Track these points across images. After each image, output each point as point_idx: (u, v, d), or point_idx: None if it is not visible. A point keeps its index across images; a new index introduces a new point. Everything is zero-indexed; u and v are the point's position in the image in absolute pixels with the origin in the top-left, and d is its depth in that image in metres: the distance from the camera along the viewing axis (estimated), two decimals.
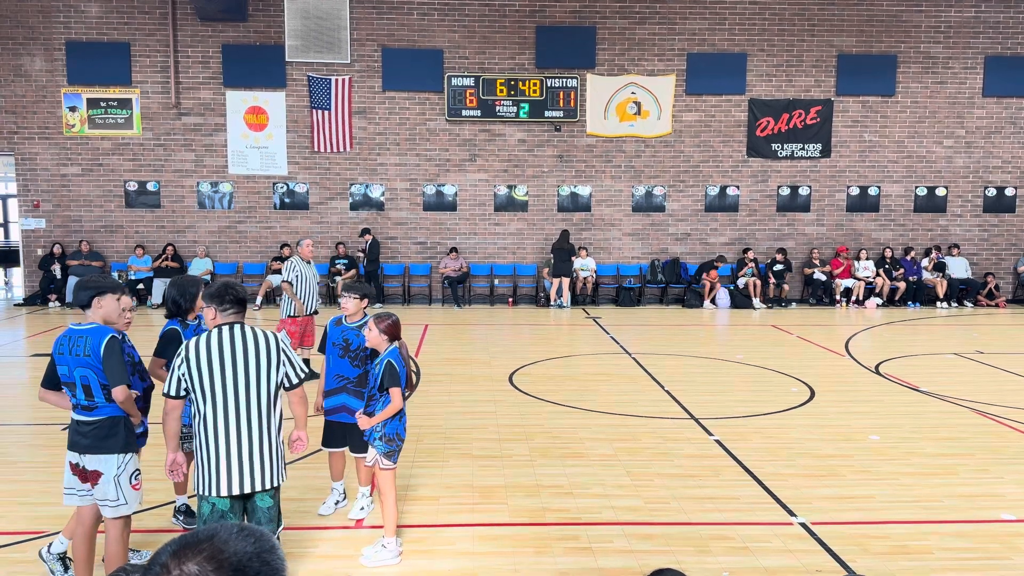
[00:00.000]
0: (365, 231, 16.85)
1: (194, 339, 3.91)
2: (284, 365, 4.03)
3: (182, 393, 3.91)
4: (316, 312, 9.44)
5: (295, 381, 4.09)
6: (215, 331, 3.93)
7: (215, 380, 3.85)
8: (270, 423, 3.97)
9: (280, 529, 4.11)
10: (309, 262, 9.43)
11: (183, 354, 3.88)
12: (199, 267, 16.68)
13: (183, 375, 3.87)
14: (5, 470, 6.33)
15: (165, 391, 3.94)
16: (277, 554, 1.28)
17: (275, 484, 3.99)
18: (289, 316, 9.17)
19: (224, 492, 3.86)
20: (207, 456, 3.87)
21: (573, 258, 16.94)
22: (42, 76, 16.86)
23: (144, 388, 4.78)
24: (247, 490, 3.90)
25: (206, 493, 3.88)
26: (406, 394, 4.88)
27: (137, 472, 4.25)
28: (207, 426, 3.86)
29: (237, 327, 3.95)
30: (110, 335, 4.11)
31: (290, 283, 9.07)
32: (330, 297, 17.00)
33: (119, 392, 4.08)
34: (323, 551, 4.90)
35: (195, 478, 3.94)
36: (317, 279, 9.56)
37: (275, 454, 3.99)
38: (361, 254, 16.80)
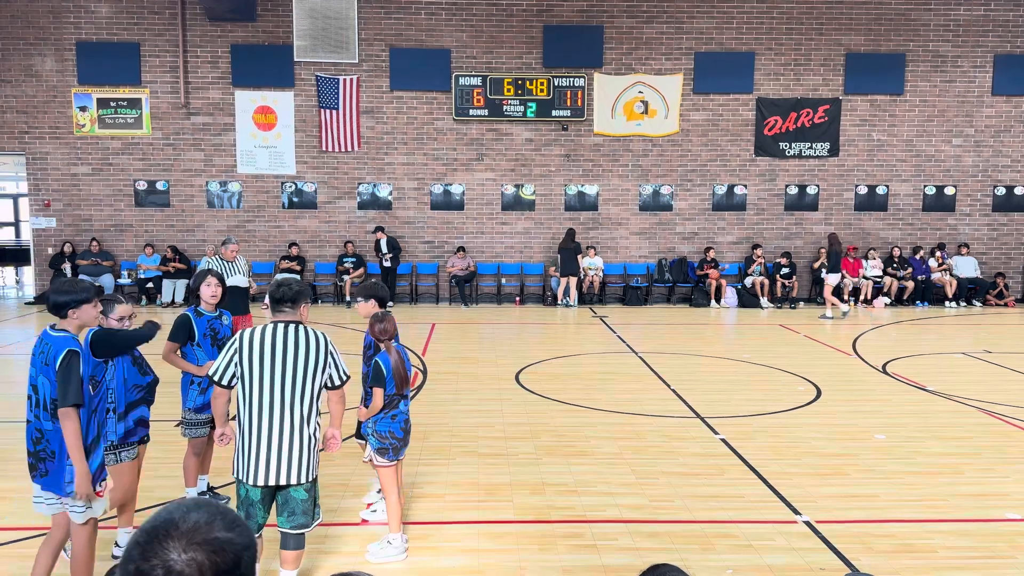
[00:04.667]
0: (378, 228, 16.90)
1: (249, 330, 4.05)
2: (330, 367, 4.15)
3: (227, 381, 4.04)
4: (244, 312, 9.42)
5: (337, 383, 4.22)
6: (270, 326, 4.06)
7: (264, 373, 3.97)
8: (310, 421, 4.06)
9: (316, 522, 4.18)
10: (234, 260, 9.42)
11: (236, 343, 4.02)
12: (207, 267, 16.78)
13: (235, 363, 4.00)
14: (17, 467, 6.39)
15: (211, 374, 4.08)
16: (230, 510, 1.35)
17: (309, 479, 4.07)
18: None
19: (260, 482, 3.97)
20: (247, 444, 3.99)
21: (580, 256, 16.96)
22: (53, 76, 16.97)
23: (148, 382, 4.86)
24: (281, 482, 4.00)
25: (241, 478, 4.02)
26: (404, 394, 4.91)
27: (103, 478, 4.13)
28: (250, 415, 3.99)
29: (291, 326, 4.07)
30: (68, 349, 3.89)
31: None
32: (339, 296, 17.06)
33: (61, 413, 3.84)
34: (331, 547, 4.93)
35: (235, 460, 4.06)
36: (243, 274, 9.49)
37: (311, 450, 4.08)
38: (385, 257, 16.74)
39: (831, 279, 15.62)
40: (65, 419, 3.85)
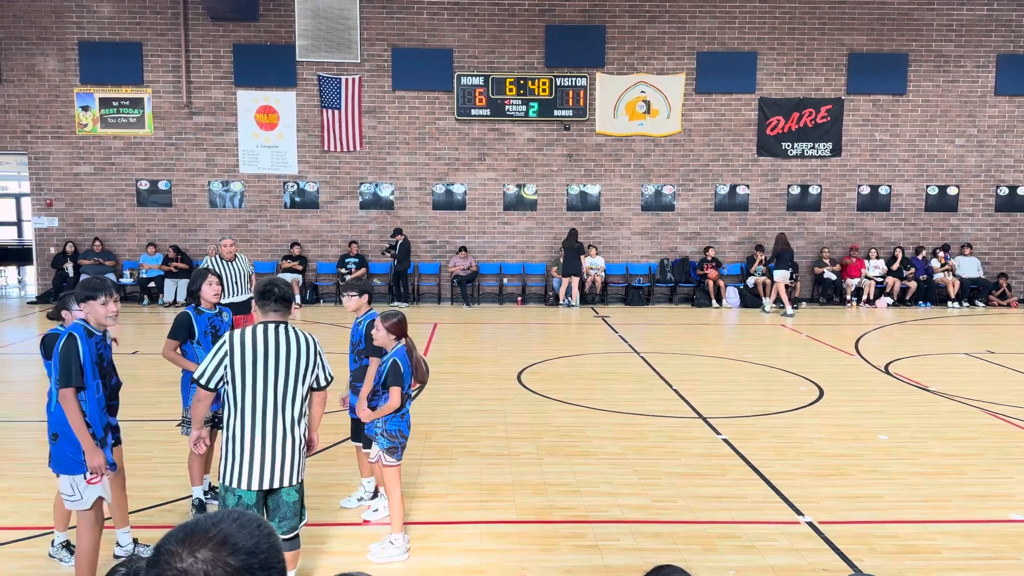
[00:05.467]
0: (397, 231, 16.89)
1: (238, 332, 3.95)
2: (317, 368, 4.11)
3: (215, 384, 3.92)
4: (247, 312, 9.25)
5: (323, 383, 4.18)
6: (259, 327, 3.97)
7: (256, 375, 3.89)
8: (300, 422, 4.03)
9: (303, 523, 4.16)
10: (234, 258, 9.18)
11: (226, 345, 3.91)
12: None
13: (224, 365, 3.89)
14: (18, 466, 6.40)
15: (197, 377, 3.95)
16: (276, 535, 1.33)
17: (299, 480, 4.05)
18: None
19: (255, 486, 3.91)
20: (238, 449, 3.90)
21: (583, 256, 16.94)
22: (55, 76, 16.98)
23: (112, 386, 4.79)
24: (275, 485, 3.95)
25: (233, 485, 3.91)
26: (413, 391, 4.92)
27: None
28: (241, 419, 3.90)
29: (281, 326, 4.00)
30: (68, 332, 4.08)
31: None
32: (341, 296, 17.03)
33: (60, 394, 4.00)
34: (332, 547, 4.93)
35: (222, 469, 3.96)
36: (244, 274, 9.25)
37: (302, 451, 4.05)
38: (390, 253, 16.78)
39: (779, 276, 16.02)
40: (64, 400, 3.99)
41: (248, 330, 3.96)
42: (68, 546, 4.74)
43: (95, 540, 4.20)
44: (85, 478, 4.13)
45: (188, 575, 1.22)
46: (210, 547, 1.24)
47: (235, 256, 9.25)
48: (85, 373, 4.06)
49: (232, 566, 1.23)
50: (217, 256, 9.20)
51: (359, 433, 5.52)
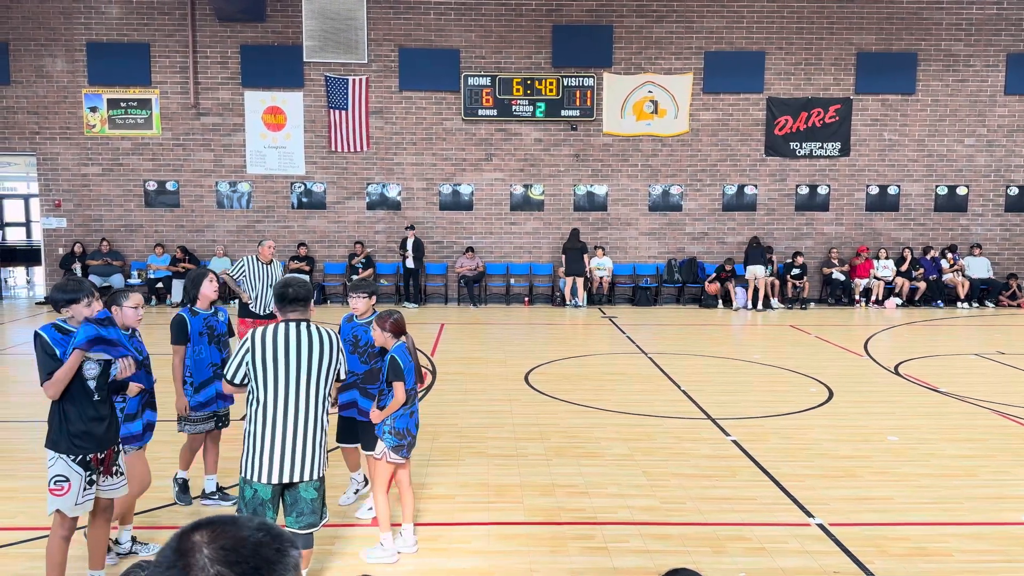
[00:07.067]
0: (410, 227, 16.87)
1: (260, 330, 4.02)
2: (338, 363, 4.18)
3: (240, 380, 4.01)
4: (272, 314, 9.03)
5: (343, 377, 4.30)
6: (282, 326, 4.04)
7: (278, 372, 3.95)
8: (321, 417, 4.08)
9: (324, 521, 4.16)
10: (270, 262, 8.88)
11: (249, 343, 3.99)
12: (217, 266, 16.77)
13: (247, 363, 3.98)
14: (25, 466, 6.40)
15: (224, 372, 4.08)
16: (282, 554, 1.23)
17: (319, 475, 4.07)
18: (239, 316, 8.71)
19: (275, 479, 3.94)
20: (259, 443, 3.95)
21: (586, 256, 16.89)
22: (63, 77, 17.03)
23: (152, 383, 4.85)
24: (295, 479, 3.98)
25: (252, 478, 3.96)
26: (417, 389, 4.90)
27: (58, 478, 4.12)
28: (264, 414, 3.96)
29: (303, 324, 4.07)
30: (36, 331, 4.17)
31: (232, 277, 8.68)
32: (346, 296, 17.04)
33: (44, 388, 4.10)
34: (340, 548, 4.91)
35: (242, 461, 4.01)
36: (276, 281, 8.92)
37: (323, 447, 4.09)
38: (402, 254, 16.78)
39: (750, 272, 16.71)
40: (44, 390, 4.13)
41: (270, 328, 4.03)
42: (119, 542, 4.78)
43: (55, 543, 4.14)
44: (49, 487, 4.12)
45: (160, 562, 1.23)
46: (201, 533, 1.25)
47: (271, 260, 8.92)
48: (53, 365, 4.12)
49: (208, 563, 1.21)
50: (255, 256, 8.88)
51: (346, 434, 5.48)
